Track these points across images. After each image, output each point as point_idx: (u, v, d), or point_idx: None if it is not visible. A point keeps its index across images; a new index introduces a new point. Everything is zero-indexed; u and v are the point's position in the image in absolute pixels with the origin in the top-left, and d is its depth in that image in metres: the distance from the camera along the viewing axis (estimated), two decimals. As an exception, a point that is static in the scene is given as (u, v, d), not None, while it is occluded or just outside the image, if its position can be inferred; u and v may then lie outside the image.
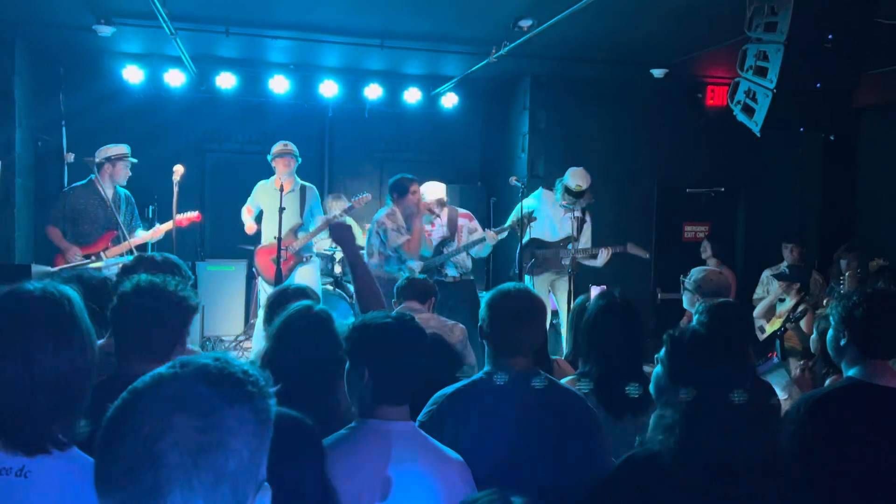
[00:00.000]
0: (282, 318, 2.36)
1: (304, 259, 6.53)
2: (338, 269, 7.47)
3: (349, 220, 7.60)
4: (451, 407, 2.23)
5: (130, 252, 5.75)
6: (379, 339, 1.97)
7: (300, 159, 6.60)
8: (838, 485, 2.33)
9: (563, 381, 2.63)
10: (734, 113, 4.86)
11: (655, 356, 2.15)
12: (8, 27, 6.54)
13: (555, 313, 6.55)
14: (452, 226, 6.18)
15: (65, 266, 5.54)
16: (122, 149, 6.10)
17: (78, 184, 6.08)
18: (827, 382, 2.99)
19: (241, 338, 7.80)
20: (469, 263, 6.26)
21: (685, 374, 1.94)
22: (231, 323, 7.98)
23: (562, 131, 7.98)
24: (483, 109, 9.18)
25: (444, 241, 6.12)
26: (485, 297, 2.40)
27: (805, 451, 2.35)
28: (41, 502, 1.47)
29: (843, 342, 2.52)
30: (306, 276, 6.47)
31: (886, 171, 7.34)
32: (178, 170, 5.92)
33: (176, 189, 5.87)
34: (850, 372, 2.51)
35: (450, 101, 8.49)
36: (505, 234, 6.20)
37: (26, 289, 1.60)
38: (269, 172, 6.67)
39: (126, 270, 3.08)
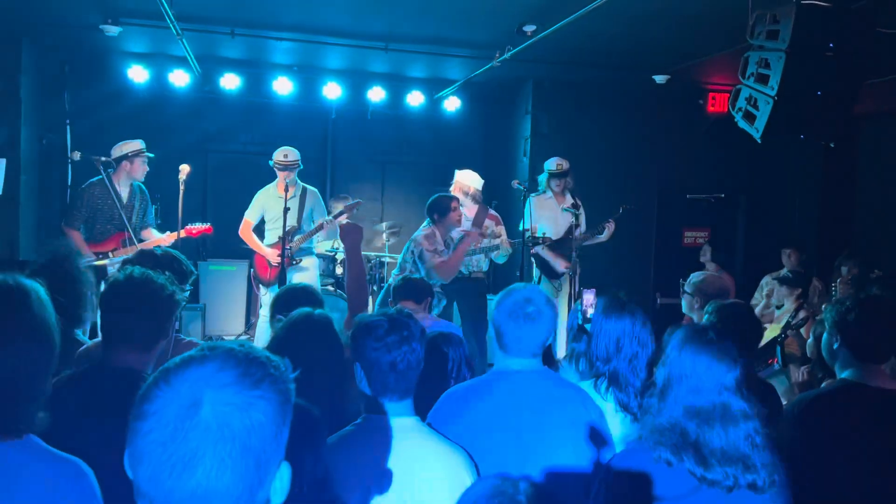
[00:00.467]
0: (283, 324, 2.39)
1: (296, 262, 6.47)
2: (339, 270, 7.51)
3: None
4: (458, 404, 2.27)
5: None
6: (366, 335, 2.01)
7: (302, 165, 6.56)
8: (830, 483, 2.37)
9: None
10: (735, 120, 4.89)
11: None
12: (15, 25, 6.57)
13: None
14: (479, 224, 6.19)
15: None
16: (138, 144, 6.04)
17: (94, 180, 6.01)
18: (822, 386, 3.03)
19: (242, 337, 7.82)
20: (483, 265, 6.29)
21: None
22: (233, 322, 8.03)
23: (563, 135, 8.01)
24: (485, 113, 9.22)
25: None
26: (495, 297, 2.43)
27: (799, 450, 2.40)
28: None
29: (836, 346, 2.57)
30: (305, 279, 6.46)
31: (886, 178, 7.38)
32: (185, 169, 5.94)
33: (182, 188, 5.89)
34: (843, 375, 2.56)
35: (452, 104, 8.53)
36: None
37: None
38: (271, 174, 6.68)
39: (126, 263, 3.11)
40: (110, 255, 5.84)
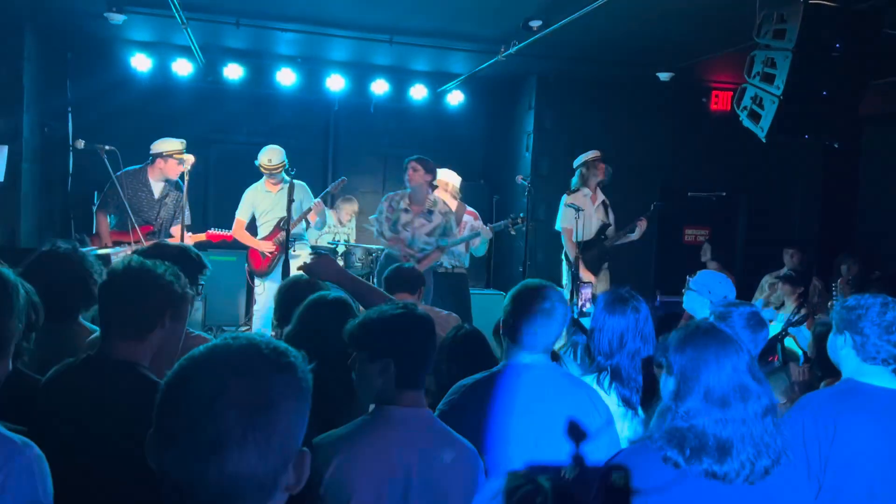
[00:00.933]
0: (306, 303, 2.42)
1: (293, 250, 6.47)
2: (339, 263, 7.49)
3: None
4: (471, 397, 2.29)
5: None
6: (400, 329, 2.04)
7: (288, 164, 6.36)
8: (832, 482, 2.39)
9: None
10: (740, 118, 4.90)
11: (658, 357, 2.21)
12: (18, 12, 6.55)
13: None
14: (457, 220, 6.26)
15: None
16: (178, 144, 6.01)
17: (129, 168, 5.97)
18: (822, 385, 3.05)
19: (242, 327, 7.84)
20: (465, 260, 6.38)
21: None
22: (232, 312, 8.03)
23: (566, 131, 8.01)
24: (488, 107, 9.21)
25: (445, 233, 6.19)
26: (509, 292, 2.44)
27: (802, 449, 2.42)
28: None
29: (841, 346, 2.59)
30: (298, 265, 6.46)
31: (888, 178, 7.40)
32: (189, 159, 5.93)
33: (186, 178, 5.88)
34: (848, 374, 2.58)
35: (455, 98, 8.52)
36: (501, 227, 6.27)
37: None
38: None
39: (135, 254, 3.11)
40: (130, 245, 5.77)
